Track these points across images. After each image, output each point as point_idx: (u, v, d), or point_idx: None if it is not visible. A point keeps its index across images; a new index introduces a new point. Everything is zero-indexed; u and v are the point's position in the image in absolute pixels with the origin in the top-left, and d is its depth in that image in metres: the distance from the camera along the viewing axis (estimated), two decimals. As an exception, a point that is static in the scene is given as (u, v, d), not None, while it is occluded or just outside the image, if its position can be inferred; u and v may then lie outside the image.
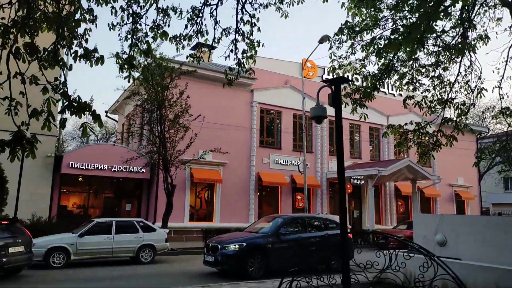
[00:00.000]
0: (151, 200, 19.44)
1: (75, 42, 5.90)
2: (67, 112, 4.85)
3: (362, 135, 25.97)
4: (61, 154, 18.34)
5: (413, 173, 22.51)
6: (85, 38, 6.19)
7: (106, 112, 28.01)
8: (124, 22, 6.60)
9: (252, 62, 8.06)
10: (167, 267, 12.31)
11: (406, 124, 8.24)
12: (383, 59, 8.80)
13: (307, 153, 22.14)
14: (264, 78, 22.17)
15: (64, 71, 4.88)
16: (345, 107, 8.86)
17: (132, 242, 12.77)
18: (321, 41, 18.14)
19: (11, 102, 4.42)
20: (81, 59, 5.92)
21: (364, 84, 9.19)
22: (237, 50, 7.86)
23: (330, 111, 6.62)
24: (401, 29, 7.43)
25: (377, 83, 8.97)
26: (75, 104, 4.77)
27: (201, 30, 7.41)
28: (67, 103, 4.79)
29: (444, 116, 9.30)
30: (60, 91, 4.88)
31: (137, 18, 6.71)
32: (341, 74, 9.23)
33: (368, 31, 8.47)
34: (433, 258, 5.77)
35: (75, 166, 17.76)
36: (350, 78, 9.38)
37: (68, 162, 17.66)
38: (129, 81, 5.50)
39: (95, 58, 5.59)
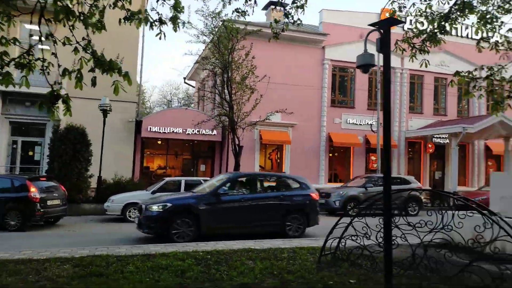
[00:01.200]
0: (223, 161, 20.17)
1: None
2: (97, 70, 5.06)
3: (448, 90, 23.52)
4: (140, 119, 19.72)
5: (507, 130, 19.93)
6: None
7: (184, 78, 29.36)
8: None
9: (301, 12, 7.63)
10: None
11: (476, 69, 7.12)
12: (453, -5, 7.63)
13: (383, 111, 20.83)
14: (337, 33, 20.99)
15: (90, 31, 5.02)
16: (402, 53, 8.02)
17: (200, 199, 13.44)
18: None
19: (43, 63, 4.72)
20: (125, 21, 6.11)
21: (430, 27, 8.12)
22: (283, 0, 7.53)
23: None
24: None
25: (448, 24, 7.85)
26: (103, 62, 4.96)
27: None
28: (96, 61, 5.00)
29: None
30: (90, 51, 5.09)
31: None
32: (403, 19, 8.27)
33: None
34: (491, 218, 5.08)
35: (154, 130, 19.01)
36: (415, 21, 8.38)
37: (146, 126, 18.97)
38: (160, 38, 5.51)
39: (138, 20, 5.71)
